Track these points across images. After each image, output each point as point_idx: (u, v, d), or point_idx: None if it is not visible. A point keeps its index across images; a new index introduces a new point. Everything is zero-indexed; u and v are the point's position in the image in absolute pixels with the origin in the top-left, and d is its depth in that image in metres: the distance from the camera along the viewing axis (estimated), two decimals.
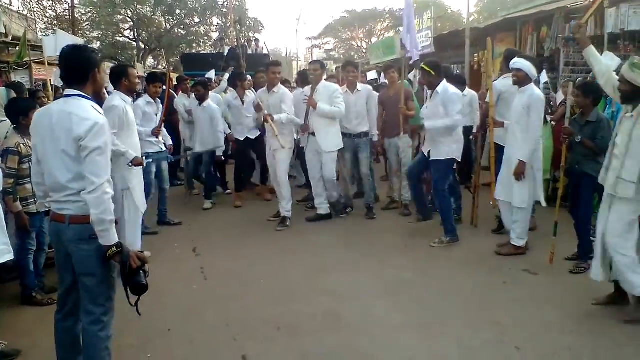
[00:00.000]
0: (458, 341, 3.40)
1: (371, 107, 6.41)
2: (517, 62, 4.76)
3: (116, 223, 2.51)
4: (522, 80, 4.73)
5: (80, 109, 2.48)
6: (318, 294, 4.19)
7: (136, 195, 4.79)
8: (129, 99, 4.83)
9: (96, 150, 2.43)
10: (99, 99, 2.80)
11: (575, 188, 4.59)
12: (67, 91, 2.58)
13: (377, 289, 4.29)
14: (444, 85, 5.26)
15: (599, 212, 3.81)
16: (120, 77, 4.75)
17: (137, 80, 5.08)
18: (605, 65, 3.84)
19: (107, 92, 5.69)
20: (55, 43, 6.46)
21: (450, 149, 5.30)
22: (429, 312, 3.84)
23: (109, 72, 5.30)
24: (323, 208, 6.31)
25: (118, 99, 4.65)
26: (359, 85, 6.33)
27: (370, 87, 6.49)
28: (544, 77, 7.62)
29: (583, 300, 3.94)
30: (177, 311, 3.92)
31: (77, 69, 2.58)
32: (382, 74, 7.40)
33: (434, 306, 3.94)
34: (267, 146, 6.28)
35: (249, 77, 7.51)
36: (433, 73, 5.24)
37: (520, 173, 4.70)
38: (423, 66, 5.37)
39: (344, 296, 4.14)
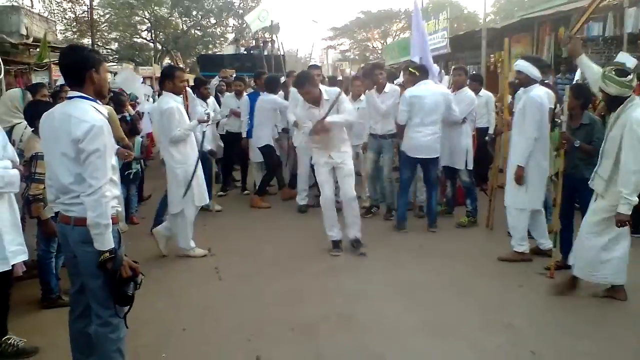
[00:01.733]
0: (472, 344, 3.38)
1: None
2: (517, 65, 4.76)
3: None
4: (523, 82, 4.71)
5: (79, 111, 2.45)
6: (332, 295, 4.20)
7: (195, 191, 5.03)
8: (179, 99, 5.03)
9: (95, 153, 2.40)
10: (102, 99, 2.75)
11: (570, 193, 4.46)
12: (70, 93, 2.57)
13: (391, 290, 4.28)
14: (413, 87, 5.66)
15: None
16: (165, 79, 5.00)
17: (184, 83, 5.18)
18: (598, 73, 3.91)
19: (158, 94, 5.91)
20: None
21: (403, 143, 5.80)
22: (443, 315, 3.82)
23: (160, 72, 5.50)
24: (304, 199, 6.95)
25: (171, 101, 4.88)
26: (387, 87, 6.31)
27: (398, 88, 6.45)
28: (578, 75, 7.48)
29: (600, 304, 3.90)
30: (192, 311, 3.95)
31: (73, 69, 2.54)
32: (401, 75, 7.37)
33: (448, 308, 3.92)
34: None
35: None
36: (418, 74, 5.66)
37: (518, 177, 4.67)
38: (410, 69, 5.73)
39: (357, 297, 4.14)
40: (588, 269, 3.95)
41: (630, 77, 3.64)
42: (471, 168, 6.05)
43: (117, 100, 7.84)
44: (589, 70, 4.01)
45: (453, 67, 8.58)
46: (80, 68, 2.52)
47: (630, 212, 3.59)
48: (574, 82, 5.42)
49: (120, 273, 2.48)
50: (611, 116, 3.81)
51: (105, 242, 2.44)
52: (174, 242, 5.18)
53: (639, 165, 3.53)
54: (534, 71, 4.66)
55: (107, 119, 2.59)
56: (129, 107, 7.80)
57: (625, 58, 5.39)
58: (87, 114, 2.44)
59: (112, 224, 2.51)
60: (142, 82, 11.20)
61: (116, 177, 2.68)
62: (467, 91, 6.20)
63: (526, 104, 4.59)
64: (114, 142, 2.62)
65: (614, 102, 3.72)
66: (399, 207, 6.02)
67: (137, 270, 2.56)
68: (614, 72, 3.65)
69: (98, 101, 2.62)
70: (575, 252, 4.11)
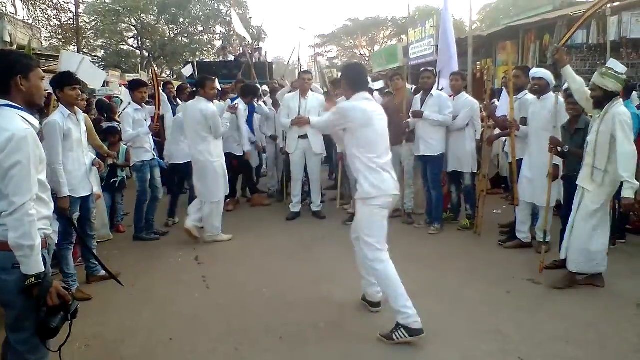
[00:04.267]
0: (461, 351, 3.38)
1: None
2: (538, 72, 5.12)
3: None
4: (543, 88, 5.02)
5: (3, 120, 2.21)
6: (320, 303, 4.18)
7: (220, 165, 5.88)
8: (211, 104, 5.74)
9: (15, 166, 2.13)
10: (35, 108, 2.53)
11: (572, 196, 4.54)
12: None
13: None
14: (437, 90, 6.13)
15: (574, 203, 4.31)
16: (198, 87, 5.81)
17: (214, 91, 5.90)
18: (580, 82, 4.32)
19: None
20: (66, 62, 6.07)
21: (441, 146, 6.05)
22: (432, 322, 3.80)
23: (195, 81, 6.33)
24: (296, 207, 6.94)
25: (205, 104, 5.62)
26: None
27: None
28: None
29: (587, 310, 3.93)
30: (179, 320, 3.91)
31: None
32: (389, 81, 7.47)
33: (436, 316, 3.91)
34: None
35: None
36: (435, 76, 6.27)
37: (557, 175, 4.91)
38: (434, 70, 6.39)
39: (346, 305, 4.13)
40: (581, 260, 4.21)
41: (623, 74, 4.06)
42: (476, 172, 6.12)
43: (108, 107, 7.76)
44: (572, 80, 4.32)
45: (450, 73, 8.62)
46: (3, 75, 2.30)
47: (633, 196, 3.91)
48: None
49: (45, 301, 2.19)
50: (598, 114, 4.08)
51: (32, 265, 2.17)
52: (157, 251, 5.13)
53: (633, 148, 3.88)
54: (552, 78, 5.06)
55: (39, 131, 2.36)
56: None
57: (614, 64, 5.60)
58: (10, 123, 2.19)
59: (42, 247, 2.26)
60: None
61: (46, 196, 2.40)
62: (467, 96, 6.24)
63: (560, 109, 4.87)
64: (43, 155, 2.36)
65: (605, 99, 4.02)
66: (439, 209, 6.22)
67: (66, 299, 2.24)
68: (610, 70, 4.03)
69: (27, 110, 2.37)
70: (569, 247, 4.30)
